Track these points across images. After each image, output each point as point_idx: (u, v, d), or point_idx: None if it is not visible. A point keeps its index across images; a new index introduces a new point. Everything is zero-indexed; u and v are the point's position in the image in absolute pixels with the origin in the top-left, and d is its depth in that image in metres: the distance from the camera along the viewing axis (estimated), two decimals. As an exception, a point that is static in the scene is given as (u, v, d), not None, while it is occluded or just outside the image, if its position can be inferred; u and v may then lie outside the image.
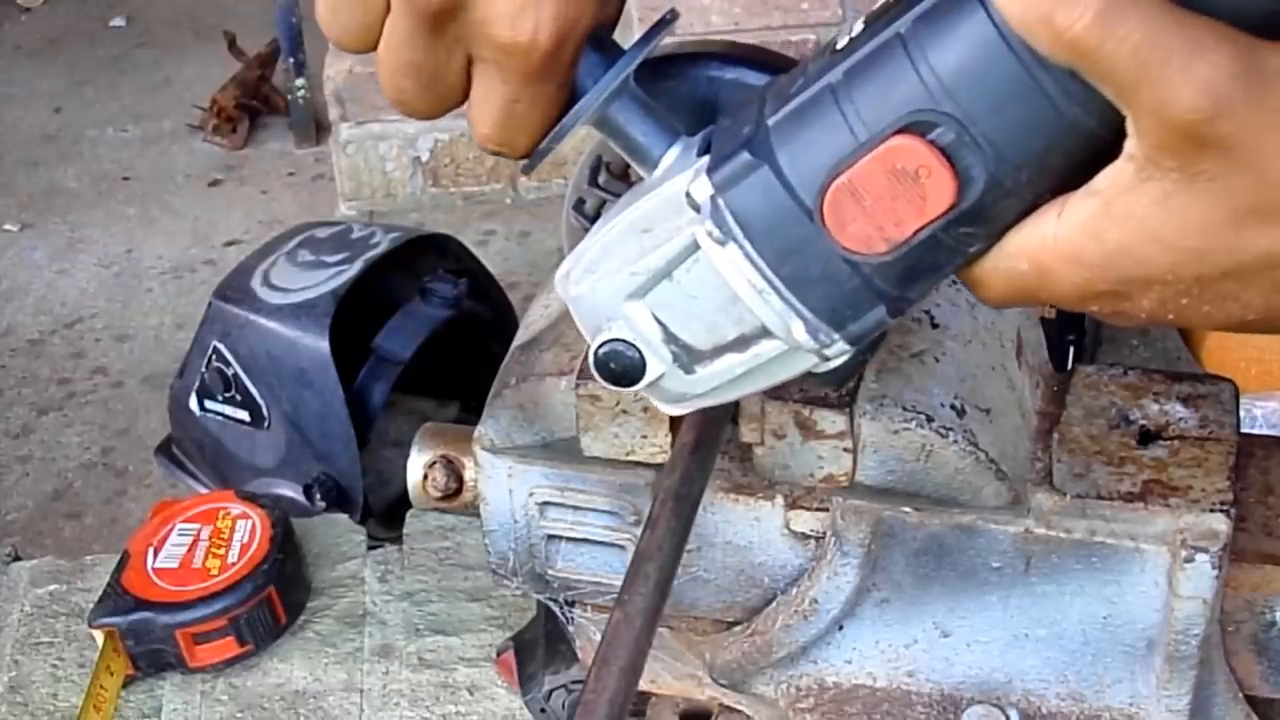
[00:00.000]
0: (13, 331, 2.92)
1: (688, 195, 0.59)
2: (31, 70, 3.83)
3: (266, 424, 1.89)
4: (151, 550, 1.30)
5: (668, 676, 0.94)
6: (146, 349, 2.84)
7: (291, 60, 3.34)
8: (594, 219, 0.71)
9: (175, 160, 3.42)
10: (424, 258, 2.05)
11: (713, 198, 0.58)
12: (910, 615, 0.84)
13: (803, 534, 0.84)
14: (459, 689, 1.25)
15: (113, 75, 3.81)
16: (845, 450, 0.81)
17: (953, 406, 0.80)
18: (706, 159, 0.60)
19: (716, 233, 0.58)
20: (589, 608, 0.92)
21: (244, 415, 1.91)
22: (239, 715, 1.24)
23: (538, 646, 1.06)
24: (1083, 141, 0.53)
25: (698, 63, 0.70)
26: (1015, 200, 0.55)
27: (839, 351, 0.61)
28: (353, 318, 1.91)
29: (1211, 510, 0.78)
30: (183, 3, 4.13)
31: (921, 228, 0.55)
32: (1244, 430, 0.84)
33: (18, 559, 1.44)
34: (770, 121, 0.57)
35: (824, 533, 0.83)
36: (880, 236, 0.55)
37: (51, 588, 1.38)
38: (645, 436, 0.82)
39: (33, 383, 2.78)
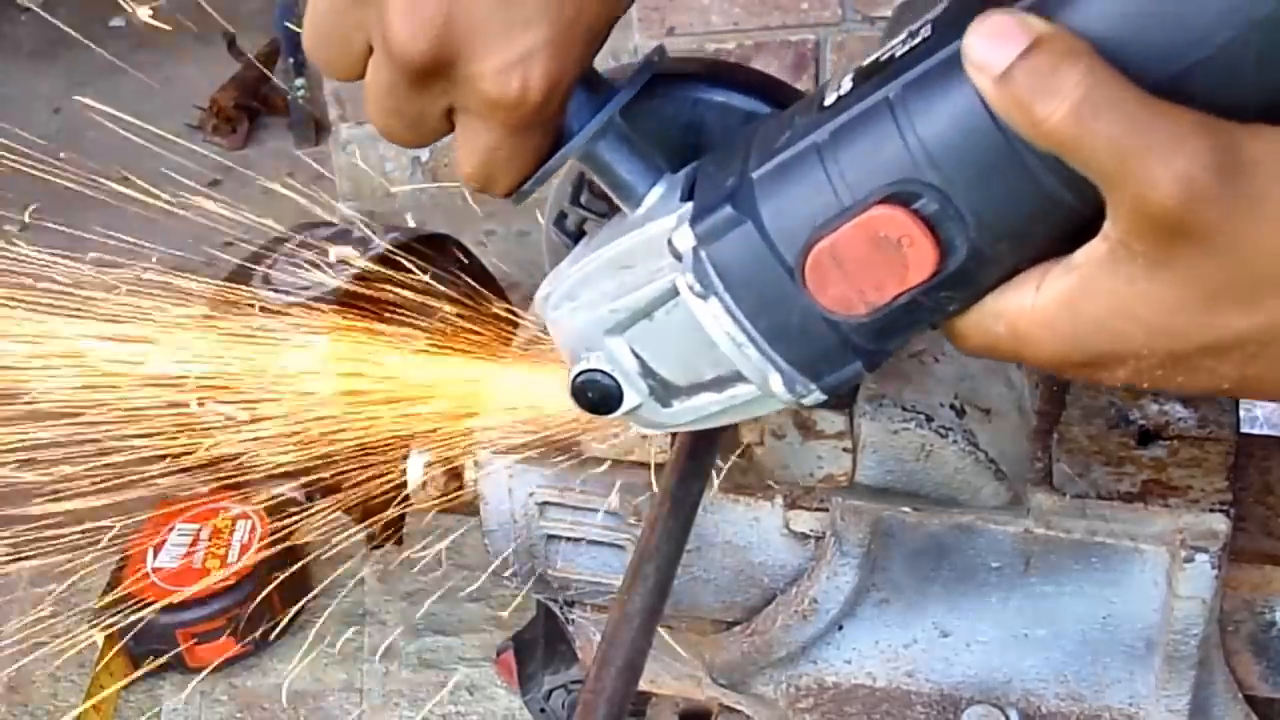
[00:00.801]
0: (13, 332, 2.91)
1: (670, 244, 0.59)
2: (31, 70, 3.83)
3: (266, 424, 1.89)
4: (151, 550, 1.30)
5: (668, 677, 0.94)
6: (146, 349, 2.84)
7: (291, 60, 3.34)
8: (574, 235, 0.70)
9: (175, 160, 3.42)
10: (424, 258, 2.05)
11: (695, 249, 0.58)
12: (910, 615, 0.84)
13: (802, 534, 0.84)
14: (459, 689, 1.25)
15: (113, 75, 3.81)
16: (845, 450, 0.81)
17: (952, 406, 0.80)
18: (689, 206, 0.60)
19: (697, 286, 0.59)
20: (589, 608, 0.92)
21: (244, 415, 1.91)
22: (239, 715, 1.24)
23: (537, 646, 1.06)
24: (1065, 215, 0.53)
25: (683, 84, 0.69)
26: (996, 267, 0.55)
27: (815, 400, 0.61)
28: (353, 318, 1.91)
29: (1211, 510, 0.78)
30: (183, 3, 4.13)
31: (902, 293, 0.55)
32: (1243, 430, 0.84)
33: (18, 559, 1.44)
34: (755, 174, 0.57)
35: (823, 533, 0.83)
36: (860, 300, 0.56)
37: (51, 588, 1.38)
38: (645, 437, 0.82)
39: (32, 383, 2.78)
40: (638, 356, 0.63)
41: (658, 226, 0.61)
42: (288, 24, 3.29)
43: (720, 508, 0.84)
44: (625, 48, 2.78)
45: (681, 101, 0.68)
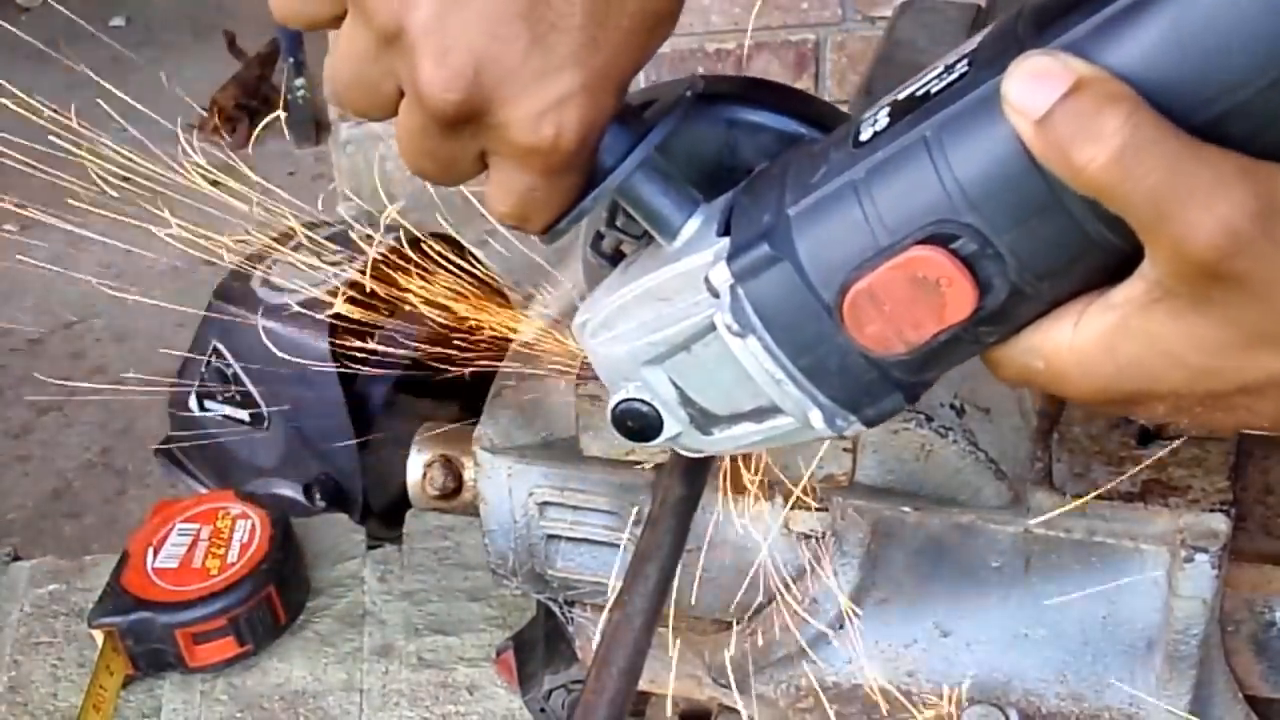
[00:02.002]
0: (13, 331, 2.92)
1: (706, 281, 0.59)
2: (31, 70, 3.83)
3: (266, 424, 1.89)
4: (151, 550, 1.30)
5: (667, 677, 0.94)
6: (146, 349, 2.84)
7: (291, 60, 3.34)
8: (611, 257, 0.70)
9: (175, 160, 3.42)
10: (423, 257, 2.04)
11: (731, 287, 0.58)
12: (910, 615, 0.84)
13: (803, 534, 0.84)
14: (459, 689, 1.25)
15: (113, 75, 3.81)
16: (845, 450, 0.81)
17: (952, 406, 0.80)
18: (726, 242, 0.59)
19: (735, 325, 0.58)
20: (589, 607, 0.92)
21: (244, 415, 1.91)
22: (239, 715, 1.24)
23: (537, 646, 1.06)
24: (1105, 253, 0.53)
25: (717, 106, 0.68)
26: (1036, 303, 0.55)
27: (855, 432, 0.61)
28: (353, 318, 1.91)
29: (1211, 510, 0.78)
30: (183, 3, 4.13)
31: (940, 332, 0.55)
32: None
33: (18, 559, 1.44)
34: (791, 212, 0.57)
35: (824, 532, 0.83)
36: (899, 339, 0.55)
37: (51, 588, 1.39)
38: (645, 436, 0.82)
39: (33, 383, 2.78)
40: (677, 387, 0.63)
41: (694, 261, 0.61)
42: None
43: (721, 508, 0.84)
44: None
45: (715, 124, 0.68)
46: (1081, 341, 0.55)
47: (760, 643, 0.86)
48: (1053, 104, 0.49)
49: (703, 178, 0.65)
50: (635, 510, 0.85)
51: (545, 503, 0.86)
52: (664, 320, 0.62)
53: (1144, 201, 0.49)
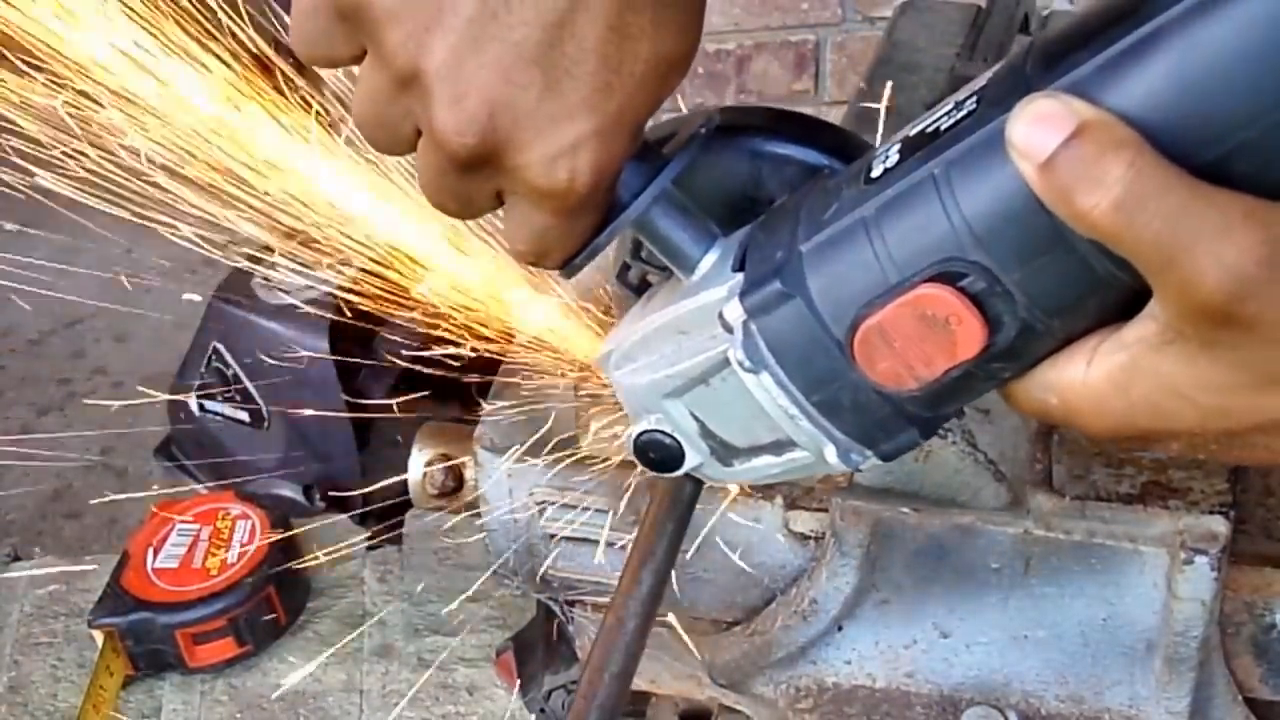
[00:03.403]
0: (13, 331, 2.91)
1: (720, 316, 0.59)
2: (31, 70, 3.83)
3: (266, 424, 1.89)
4: (151, 550, 1.30)
5: (668, 677, 0.94)
6: (146, 349, 2.84)
7: (291, 60, 3.34)
8: (637, 288, 0.71)
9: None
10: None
11: (745, 323, 0.59)
12: (910, 616, 0.84)
13: (802, 534, 0.84)
14: (459, 689, 1.25)
15: (113, 75, 3.81)
16: (845, 451, 0.81)
17: (952, 407, 0.80)
18: (740, 278, 0.60)
19: (747, 361, 0.59)
20: (589, 607, 0.92)
21: (244, 415, 1.91)
22: (239, 715, 1.24)
23: (537, 646, 1.06)
24: (1116, 291, 0.53)
25: (740, 138, 0.69)
26: (1048, 340, 0.55)
27: (871, 466, 0.61)
28: (353, 317, 1.91)
29: (1211, 512, 0.78)
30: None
31: (951, 368, 0.55)
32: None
33: (18, 559, 1.44)
34: (803, 248, 0.57)
35: (823, 533, 0.83)
36: (910, 375, 0.56)
37: (51, 588, 1.38)
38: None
39: (33, 383, 2.78)
40: (697, 419, 0.64)
41: (710, 296, 0.61)
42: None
43: (720, 508, 0.84)
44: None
45: (738, 156, 0.67)
46: (1095, 379, 0.55)
47: (760, 643, 0.86)
48: (1056, 148, 0.49)
49: (727, 210, 0.66)
50: (634, 510, 0.85)
51: (545, 502, 0.87)
52: (683, 353, 0.62)
53: (1149, 247, 0.49)
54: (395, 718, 1.22)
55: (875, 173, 0.56)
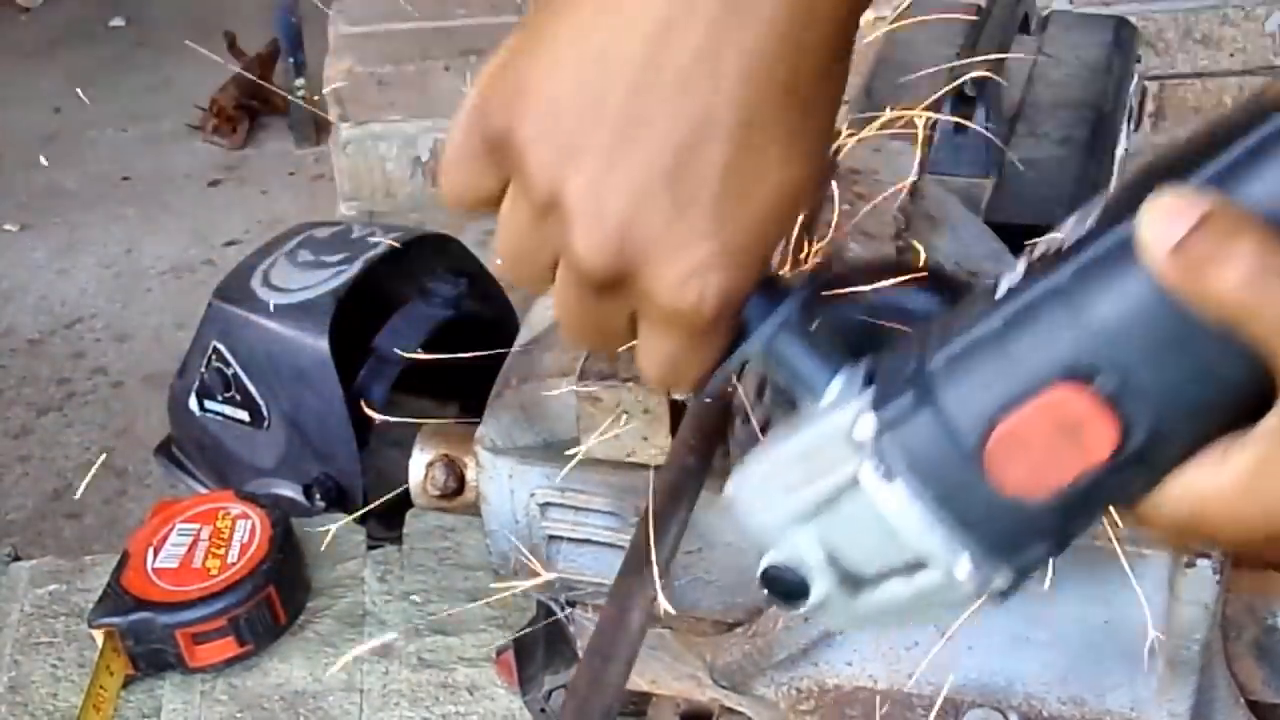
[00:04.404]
0: (13, 331, 2.91)
1: (851, 433, 0.60)
2: (31, 70, 3.83)
3: (266, 424, 1.89)
4: (151, 550, 1.30)
5: (668, 677, 0.94)
6: (146, 349, 2.84)
7: (291, 60, 3.34)
8: (762, 429, 0.72)
9: (175, 160, 3.42)
10: (424, 258, 2.05)
11: (877, 437, 0.59)
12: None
13: (804, 536, 0.83)
14: (459, 689, 1.25)
15: (113, 75, 3.81)
16: (847, 452, 0.81)
17: (954, 409, 0.80)
18: (870, 393, 0.61)
19: (880, 472, 0.59)
20: (589, 608, 0.92)
21: (244, 415, 1.91)
22: (239, 715, 1.24)
23: (538, 646, 1.06)
24: (1248, 389, 0.53)
25: (859, 284, 0.70)
26: (1179, 444, 0.55)
27: (1003, 584, 0.61)
28: (353, 318, 1.91)
29: (1213, 513, 0.78)
30: (183, 3, 4.13)
31: (1082, 474, 0.55)
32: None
33: (18, 559, 1.44)
34: (934, 363, 0.58)
35: (825, 535, 0.83)
36: (1042, 483, 0.56)
37: (51, 588, 1.39)
38: (645, 438, 0.82)
39: (33, 383, 2.78)
40: (824, 547, 0.64)
41: (840, 417, 0.61)
42: (291, 18, 3.29)
43: (722, 510, 0.84)
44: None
45: (856, 303, 0.70)
46: (1227, 484, 0.54)
47: (761, 644, 0.86)
48: (1184, 233, 0.49)
49: (845, 347, 0.67)
50: (636, 511, 0.85)
51: (547, 503, 0.86)
52: (811, 477, 0.62)
53: (1275, 328, 0.49)
54: (395, 718, 1.22)
55: (1001, 293, 0.57)
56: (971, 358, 0.57)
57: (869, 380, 0.62)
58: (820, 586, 0.64)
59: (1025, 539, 0.59)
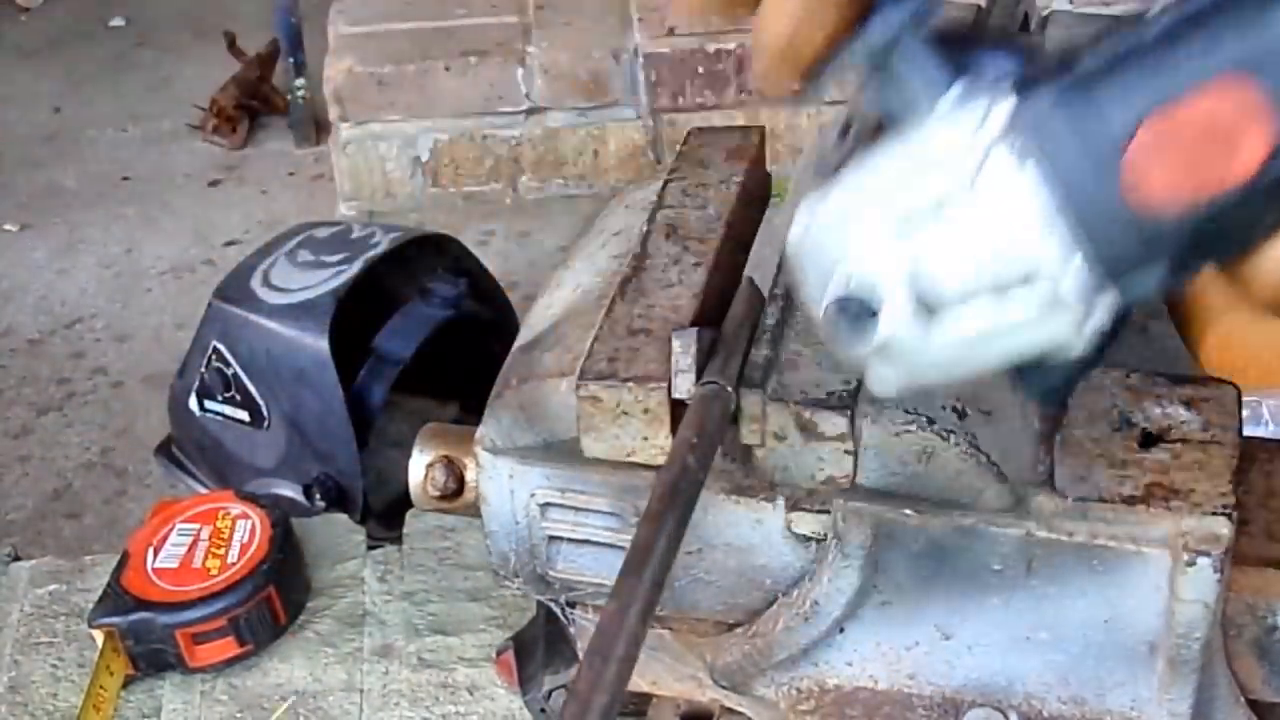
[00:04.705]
0: (13, 331, 2.91)
1: (981, 126, 0.58)
2: (31, 70, 3.83)
3: (266, 424, 1.89)
4: (151, 550, 1.30)
5: (669, 678, 0.94)
6: (146, 349, 2.84)
7: (291, 60, 3.34)
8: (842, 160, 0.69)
9: (175, 160, 3.42)
10: (424, 258, 2.05)
11: (1012, 124, 0.57)
12: (911, 617, 0.84)
13: (804, 536, 0.84)
14: (459, 689, 1.25)
15: (113, 75, 3.81)
16: (846, 452, 0.81)
17: (954, 409, 0.80)
18: (1007, 85, 0.58)
19: (1013, 154, 0.57)
20: (590, 609, 0.92)
21: (244, 415, 1.91)
22: (239, 715, 1.24)
23: (538, 646, 1.06)
24: None
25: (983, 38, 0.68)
26: None
27: (1102, 313, 0.59)
28: (353, 318, 1.91)
29: (1213, 514, 0.78)
30: (183, 3, 4.13)
31: (1220, 190, 0.53)
32: (1248, 432, 0.84)
33: (18, 559, 1.44)
34: (1082, 63, 0.56)
35: (825, 535, 0.83)
36: (1179, 192, 0.54)
37: (51, 588, 1.39)
38: (646, 438, 0.82)
39: (33, 383, 2.78)
40: (913, 263, 0.60)
41: (965, 116, 0.59)
42: (291, 18, 3.28)
43: (722, 509, 0.84)
44: (625, 46, 2.78)
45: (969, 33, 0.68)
46: None
47: (761, 645, 0.86)
48: None
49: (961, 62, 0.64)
50: (636, 511, 0.85)
51: (547, 504, 0.86)
52: (917, 184, 0.60)
53: None
54: (395, 718, 1.22)
55: (1155, 10, 0.55)
56: (1131, 54, 0.55)
57: (996, 84, 0.59)
58: (892, 312, 0.61)
59: (1144, 257, 0.57)
